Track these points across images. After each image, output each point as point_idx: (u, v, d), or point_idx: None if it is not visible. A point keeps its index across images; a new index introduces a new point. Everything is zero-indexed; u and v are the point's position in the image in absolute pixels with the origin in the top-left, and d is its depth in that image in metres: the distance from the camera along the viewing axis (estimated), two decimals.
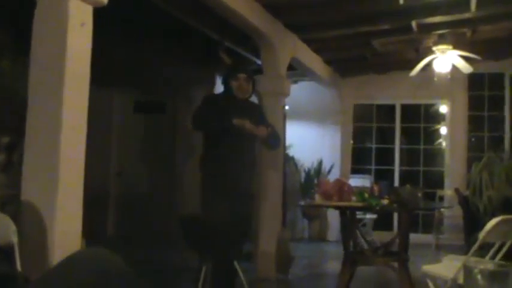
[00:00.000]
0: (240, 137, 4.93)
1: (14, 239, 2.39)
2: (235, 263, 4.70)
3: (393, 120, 11.17)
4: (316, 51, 8.84)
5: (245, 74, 5.08)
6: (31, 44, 3.46)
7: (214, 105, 5.07)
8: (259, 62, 7.58)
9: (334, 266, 7.11)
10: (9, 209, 3.31)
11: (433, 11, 7.00)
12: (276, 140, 5.47)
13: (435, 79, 8.60)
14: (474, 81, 10.56)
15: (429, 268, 4.45)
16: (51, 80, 3.39)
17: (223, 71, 5.29)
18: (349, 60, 10.08)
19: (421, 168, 11.02)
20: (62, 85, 3.33)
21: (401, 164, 11.13)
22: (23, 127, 3.44)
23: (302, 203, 9.27)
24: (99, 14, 3.61)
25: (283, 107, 7.64)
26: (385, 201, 5.58)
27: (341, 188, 5.63)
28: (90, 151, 3.56)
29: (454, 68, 8.31)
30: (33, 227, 3.26)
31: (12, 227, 2.37)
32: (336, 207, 5.99)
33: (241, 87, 5.04)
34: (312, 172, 11.02)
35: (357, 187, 5.88)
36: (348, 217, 5.94)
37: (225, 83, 5.16)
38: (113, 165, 9.20)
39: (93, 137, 3.66)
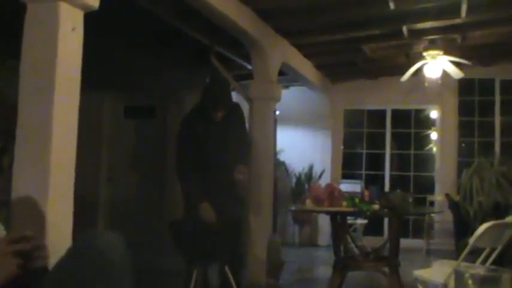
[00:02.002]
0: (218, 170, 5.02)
1: None
2: (226, 267, 4.68)
3: (384, 125, 11.19)
4: (307, 56, 8.85)
5: (224, 110, 5.10)
6: (21, 48, 3.44)
7: (193, 133, 5.11)
8: (249, 67, 7.58)
9: (324, 271, 7.10)
10: (0, 214, 3.29)
11: (424, 16, 7.02)
12: (249, 151, 5.54)
13: (426, 84, 8.64)
14: (464, 86, 10.60)
15: (420, 273, 4.45)
16: (41, 85, 3.37)
17: (207, 81, 5.31)
18: (340, 65, 10.09)
19: (412, 174, 11.04)
20: (53, 89, 3.31)
21: (391, 169, 11.15)
22: (14, 132, 3.42)
23: (293, 208, 9.27)
24: (89, 18, 3.59)
25: (274, 112, 7.64)
26: (376, 206, 5.59)
27: (332, 193, 5.64)
28: (80, 156, 3.54)
29: (445, 74, 8.35)
30: (23, 232, 3.24)
31: (3, 233, 2.35)
32: (327, 212, 5.99)
33: (218, 116, 5.08)
34: (303, 177, 11.01)
35: (347, 192, 5.89)
36: (338, 222, 5.94)
37: (203, 99, 5.18)
38: (103, 170, 9.16)
39: (83, 142, 3.64)
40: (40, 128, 3.34)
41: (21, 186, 3.36)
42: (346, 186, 7.21)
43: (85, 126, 3.70)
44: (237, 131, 5.28)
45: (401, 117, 11.22)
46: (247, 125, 5.75)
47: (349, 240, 6.24)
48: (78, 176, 3.51)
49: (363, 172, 11.26)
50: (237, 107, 5.45)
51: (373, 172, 11.26)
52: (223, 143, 5.11)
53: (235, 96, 8.09)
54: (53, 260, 2.64)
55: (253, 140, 5.50)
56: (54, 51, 3.34)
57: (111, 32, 6.79)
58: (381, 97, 10.94)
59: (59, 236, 3.32)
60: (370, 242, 8.79)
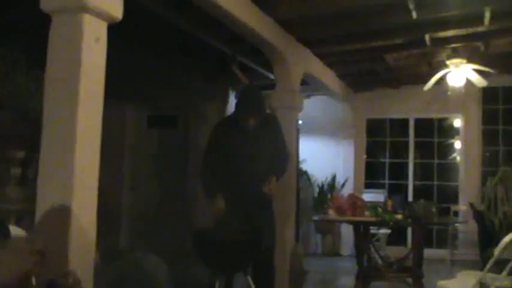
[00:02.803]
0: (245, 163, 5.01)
1: None
2: (248, 277, 4.67)
3: (407, 134, 11.13)
4: (329, 65, 8.84)
5: (255, 118, 5.08)
6: (46, 59, 3.48)
7: (224, 142, 5.11)
8: (271, 76, 7.59)
9: (347, 281, 7.06)
10: (25, 223, 3.32)
11: (447, 24, 6.99)
12: (285, 166, 5.46)
13: (449, 93, 8.57)
14: (488, 94, 10.51)
15: (444, 284, 4.41)
16: (65, 95, 3.40)
17: (237, 87, 5.29)
18: (362, 74, 10.07)
19: (435, 183, 10.95)
20: (77, 100, 3.34)
21: (415, 179, 11.07)
22: (38, 142, 3.45)
23: (315, 217, 9.24)
24: (112, 29, 3.62)
25: (297, 121, 7.63)
26: (399, 216, 5.57)
27: (354, 202, 5.63)
28: (103, 166, 3.57)
29: (468, 82, 8.28)
30: (48, 241, 3.26)
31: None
32: (350, 222, 5.98)
33: (249, 123, 5.06)
34: (326, 187, 10.98)
35: (370, 202, 5.88)
36: (361, 232, 5.92)
37: (236, 107, 5.18)
38: (126, 179, 9.21)
39: (106, 152, 3.66)
40: (64, 138, 3.37)
41: (45, 196, 3.39)
42: (369, 196, 7.21)
43: (108, 136, 3.72)
44: (273, 142, 5.23)
45: (425, 126, 11.14)
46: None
47: (372, 250, 6.21)
48: (101, 185, 3.54)
49: (386, 181, 11.19)
50: (273, 118, 5.44)
51: (396, 181, 11.18)
52: (254, 153, 5.07)
53: None
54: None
55: (290, 154, 5.45)
56: (78, 62, 3.36)
57: (134, 43, 6.84)
58: (403, 106, 10.88)
59: (82, 245, 3.34)
60: (394, 252, 8.73)
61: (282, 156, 5.33)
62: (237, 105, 5.18)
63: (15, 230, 2.39)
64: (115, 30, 3.65)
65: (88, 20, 3.42)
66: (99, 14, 3.47)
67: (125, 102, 8.81)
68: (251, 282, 4.65)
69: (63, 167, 3.34)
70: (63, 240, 3.24)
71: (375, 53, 8.28)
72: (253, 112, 5.05)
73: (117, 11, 3.58)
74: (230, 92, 8.93)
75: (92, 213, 3.45)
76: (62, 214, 3.26)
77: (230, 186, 5.04)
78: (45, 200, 3.37)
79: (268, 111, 5.49)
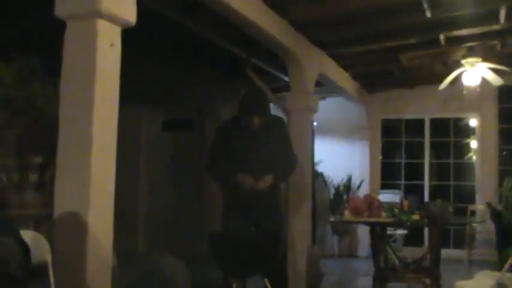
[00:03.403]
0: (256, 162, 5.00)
1: (48, 258, 2.43)
2: (266, 280, 4.67)
3: (422, 134, 11.08)
4: (344, 66, 8.83)
5: (259, 115, 5.07)
6: (61, 65, 3.50)
7: (227, 142, 5.11)
8: (286, 78, 7.59)
9: (364, 282, 7.04)
10: (43, 228, 3.35)
11: (461, 23, 6.95)
12: (290, 170, 5.43)
13: (464, 92, 8.52)
14: (504, 93, 10.42)
15: (462, 285, 4.39)
16: (81, 100, 3.43)
17: (242, 92, 5.27)
18: (377, 75, 10.05)
19: (452, 183, 10.89)
20: (92, 105, 3.36)
21: (431, 179, 11.02)
22: (55, 147, 3.47)
23: (332, 219, 9.22)
24: (127, 34, 3.64)
25: (312, 123, 7.62)
26: (416, 217, 5.54)
27: (371, 203, 5.61)
28: (120, 169, 3.58)
29: (484, 81, 8.24)
30: (66, 245, 3.29)
31: (46, 246, 2.40)
32: (366, 223, 5.96)
33: (254, 123, 5.05)
34: (342, 188, 10.97)
35: (386, 203, 5.85)
36: (378, 233, 5.90)
37: (239, 108, 5.18)
38: (142, 183, 9.23)
39: (122, 156, 3.68)
40: (80, 143, 3.39)
41: (62, 200, 3.41)
42: (385, 197, 7.18)
43: (124, 140, 3.74)
44: (277, 144, 5.21)
45: (440, 126, 11.09)
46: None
47: (389, 251, 6.19)
48: (118, 189, 3.56)
49: (402, 182, 11.16)
50: (279, 120, 5.43)
51: (412, 182, 11.14)
52: (259, 153, 5.07)
53: (273, 109, 8.13)
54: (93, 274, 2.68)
55: (297, 159, 5.43)
56: (93, 67, 3.39)
57: (148, 47, 6.87)
58: (418, 106, 10.84)
59: (100, 248, 3.36)
60: (411, 253, 8.69)
61: (288, 159, 5.30)
62: (240, 106, 5.18)
63: (33, 235, 2.41)
64: (129, 34, 3.67)
65: (102, 25, 3.44)
66: (113, 19, 3.49)
67: (139, 106, 8.84)
68: (268, 285, 4.65)
69: (79, 172, 3.37)
70: (81, 244, 3.26)
71: (389, 54, 8.25)
72: (256, 113, 5.05)
73: (130, 16, 3.61)
74: None
75: (109, 216, 3.48)
76: (79, 218, 3.28)
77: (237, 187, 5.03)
78: (62, 205, 3.40)
79: (273, 113, 5.45)
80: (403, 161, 11.32)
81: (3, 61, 4.89)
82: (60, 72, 3.52)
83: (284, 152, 5.23)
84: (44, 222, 4.15)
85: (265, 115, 5.10)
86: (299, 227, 6.88)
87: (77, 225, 3.30)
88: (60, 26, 3.51)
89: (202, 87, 8.71)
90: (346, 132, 11.13)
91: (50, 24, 3.62)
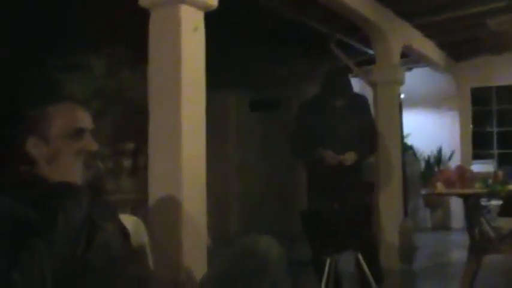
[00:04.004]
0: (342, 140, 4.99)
1: (145, 240, 2.53)
2: (358, 255, 4.68)
3: None
4: (429, 36, 8.65)
5: (343, 98, 5.05)
6: (148, 53, 3.60)
7: (310, 120, 5.11)
8: (371, 52, 7.52)
9: (459, 255, 6.94)
10: (140, 212, 3.47)
11: None
12: (372, 148, 5.40)
13: None
14: None
15: None
16: (168, 86, 3.51)
17: (324, 71, 5.26)
18: (464, 42, 9.78)
19: None
20: (180, 89, 3.44)
21: None
22: (146, 133, 3.58)
23: (423, 192, 9.10)
24: (209, 17, 3.70)
25: (399, 95, 7.53)
26: (511, 187, 5.42)
27: (463, 174, 5.53)
28: (210, 152, 3.66)
29: None
30: (162, 228, 3.39)
31: (143, 228, 2.50)
32: (459, 195, 5.87)
33: (336, 103, 5.04)
34: (432, 160, 10.80)
35: (479, 173, 5.75)
36: (471, 204, 5.81)
37: (321, 88, 5.17)
38: (232, 165, 9.35)
39: (211, 139, 3.76)
40: (170, 127, 3.48)
41: (156, 184, 3.52)
42: (477, 167, 7.05)
43: (212, 122, 3.81)
44: (361, 122, 5.20)
45: None
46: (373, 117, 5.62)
47: (484, 222, 6.08)
48: (209, 172, 3.63)
49: (495, 151, 10.87)
50: (362, 98, 5.40)
51: (505, 151, 10.84)
52: (341, 132, 5.06)
53: (359, 83, 8.08)
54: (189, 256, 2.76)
55: (378, 134, 5.39)
56: (178, 52, 3.46)
57: (231, 29, 6.93)
58: (509, 72, 10.50)
59: (195, 230, 3.45)
60: (507, 224, 8.48)
61: (371, 138, 5.29)
62: (322, 86, 5.18)
63: (131, 219, 2.51)
64: (212, 18, 3.73)
65: (185, 10, 3.51)
66: (195, 4, 3.56)
67: (227, 88, 8.94)
68: (361, 259, 4.66)
69: (171, 156, 3.46)
70: (177, 228, 3.36)
71: (476, 20, 8.02)
72: (339, 93, 5.05)
73: None
74: None
75: (202, 199, 3.56)
76: (173, 201, 3.38)
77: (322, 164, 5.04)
78: (156, 189, 3.51)
79: (359, 88, 5.43)
80: (495, 129, 11.02)
81: (94, 53, 5.06)
82: (147, 60, 3.62)
83: (366, 131, 5.22)
84: (139, 206, 4.29)
85: (347, 94, 5.10)
86: (390, 201, 6.85)
87: (171, 208, 3.40)
88: (146, 15, 3.61)
89: (287, 66, 8.74)
90: (434, 103, 10.94)
91: (136, 13, 3.71)
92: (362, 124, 5.18)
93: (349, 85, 5.21)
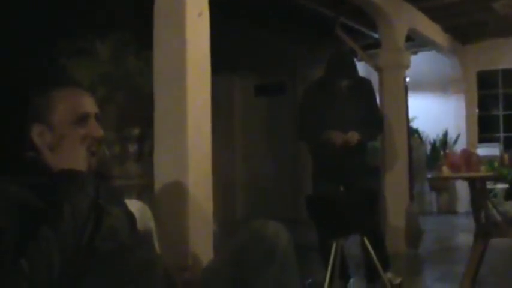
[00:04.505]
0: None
1: (152, 225, 2.54)
2: (365, 239, 4.68)
3: None
4: (434, 19, 8.61)
5: (347, 80, 5.04)
6: (153, 38, 3.59)
7: (314, 103, 5.09)
8: (376, 35, 7.48)
9: (465, 238, 6.93)
10: (145, 197, 3.47)
11: None
12: (376, 131, 5.40)
13: None
14: None
15: None
16: (174, 71, 3.51)
17: (329, 54, 5.23)
18: (469, 26, 9.72)
19: None
20: (185, 74, 3.43)
21: None
22: (152, 118, 3.58)
23: (429, 175, 9.10)
24: (214, 2, 3.68)
25: (405, 79, 7.50)
26: None
27: (469, 158, 5.50)
28: (215, 137, 3.66)
29: None
30: (168, 213, 3.40)
31: (149, 213, 2.51)
32: (465, 178, 5.84)
33: (341, 86, 5.02)
34: (438, 144, 10.79)
35: (485, 157, 5.72)
36: (477, 188, 5.78)
37: (326, 70, 5.15)
38: (238, 149, 9.35)
39: (217, 123, 3.75)
40: (175, 112, 3.48)
41: (162, 169, 3.52)
42: (483, 151, 7.02)
43: (217, 107, 3.80)
44: (365, 106, 5.18)
45: None
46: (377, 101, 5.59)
47: (490, 206, 6.06)
48: (214, 156, 3.63)
49: (501, 135, 10.85)
50: (366, 82, 5.37)
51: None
52: (346, 115, 5.04)
53: (364, 67, 8.04)
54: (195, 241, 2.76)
55: (384, 119, 5.37)
56: (183, 37, 3.46)
57: (236, 14, 6.91)
58: None
59: (201, 216, 3.46)
60: None
61: (374, 121, 5.27)
62: (328, 68, 5.16)
63: (137, 204, 2.51)
64: (217, 3, 3.71)
65: None
66: None
67: (232, 73, 8.92)
68: (368, 243, 4.66)
69: (176, 141, 3.46)
70: (183, 213, 3.37)
71: (482, 2, 7.97)
72: (343, 76, 5.03)
73: None
74: None
75: (207, 184, 3.56)
76: (179, 187, 3.38)
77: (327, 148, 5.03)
78: (162, 175, 3.51)
79: (364, 72, 5.40)
80: (501, 113, 10.98)
81: (99, 38, 5.05)
82: (152, 45, 3.61)
83: (370, 114, 5.20)
84: (145, 191, 4.29)
85: (351, 78, 5.08)
86: (396, 185, 6.85)
87: (177, 193, 3.40)
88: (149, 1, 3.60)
89: (292, 50, 8.71)
90: (440, 86, 10.91)
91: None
92: (367, 105, 5.17)
93: (354, 67, 5.20)
